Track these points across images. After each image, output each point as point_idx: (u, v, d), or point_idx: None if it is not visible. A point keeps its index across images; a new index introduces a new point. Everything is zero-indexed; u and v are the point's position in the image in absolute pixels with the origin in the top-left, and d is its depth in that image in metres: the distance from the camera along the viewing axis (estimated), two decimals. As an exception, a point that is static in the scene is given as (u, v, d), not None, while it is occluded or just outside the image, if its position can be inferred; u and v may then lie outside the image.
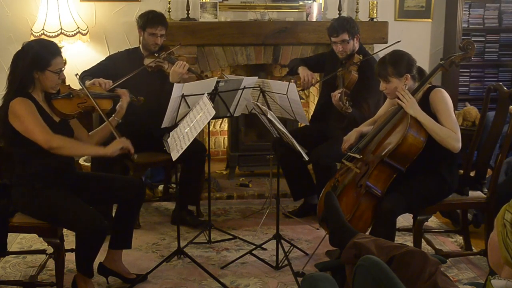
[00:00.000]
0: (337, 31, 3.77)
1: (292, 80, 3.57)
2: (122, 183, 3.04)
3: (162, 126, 3.10)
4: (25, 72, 2.73)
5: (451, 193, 3.10)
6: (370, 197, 2.98)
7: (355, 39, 3.81)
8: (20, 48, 2.81)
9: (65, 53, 4.49)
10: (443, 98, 2.95)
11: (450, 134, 2.89)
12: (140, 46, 3.97)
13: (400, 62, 3.01)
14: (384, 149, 2.98)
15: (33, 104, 2.73)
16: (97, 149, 2.92)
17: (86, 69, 3.80)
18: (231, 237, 3.69)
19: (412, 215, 3.21)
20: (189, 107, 3.06)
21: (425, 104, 2.97)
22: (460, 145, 2.90)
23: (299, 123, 4.21)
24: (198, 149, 3.76)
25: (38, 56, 2.73)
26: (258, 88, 3.44)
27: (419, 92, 3.01)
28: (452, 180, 3.05)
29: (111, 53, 4.72)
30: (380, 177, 2.98)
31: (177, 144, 2.83)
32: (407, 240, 3.58)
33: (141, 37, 3.95)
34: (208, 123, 3.01)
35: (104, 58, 4.06)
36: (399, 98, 2.99)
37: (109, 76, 3.54)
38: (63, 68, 2.83)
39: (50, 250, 2.99)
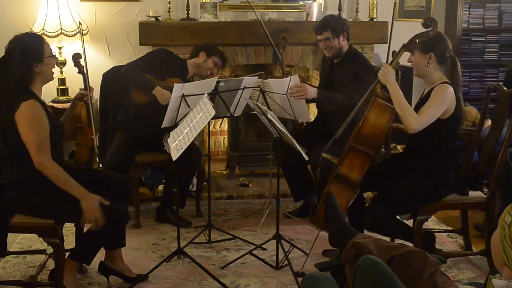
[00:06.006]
0: (319, 29, 3.73)
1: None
2: (108, 181, 3.01)
3: (162, 126, 3.10)
4: (22, 70, 2.66)
5: (448, 194, 3.09)
6: (341, 184, 2.97)
7: (341, 37, 3.72)
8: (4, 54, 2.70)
9: (65, 53, 4.50)
10: (441, 92, 2.92)
11: (412, 114, 2.87)
12: (189, 63, 3.90)
13: (430, 40, 3.00)
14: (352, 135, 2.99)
15: (43, 112, 2.68)
16: (78, 192, 2.73)
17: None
18: (231, 237, 3.69)
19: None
20: (189, 107, 3.06)
21: (429, 96, 2.96)
22: (416, 128, 2.86)
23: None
24: (192, 152, 3.70)
25: (29, 50, 2.67)
26: (258, 88, 3.44)
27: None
28: (447, 181, 3.04)
29: (112, 53, 4.74)
30: (353, 165, 2.96)
31: (177, 144, 2.83)
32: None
33: (199, 60, 3.86)
34: (208, 123, 3.00)
35: (146, 54, 3.95)
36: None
37: (150, 72, 3.68)
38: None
39: (50, 250, 2.98)
